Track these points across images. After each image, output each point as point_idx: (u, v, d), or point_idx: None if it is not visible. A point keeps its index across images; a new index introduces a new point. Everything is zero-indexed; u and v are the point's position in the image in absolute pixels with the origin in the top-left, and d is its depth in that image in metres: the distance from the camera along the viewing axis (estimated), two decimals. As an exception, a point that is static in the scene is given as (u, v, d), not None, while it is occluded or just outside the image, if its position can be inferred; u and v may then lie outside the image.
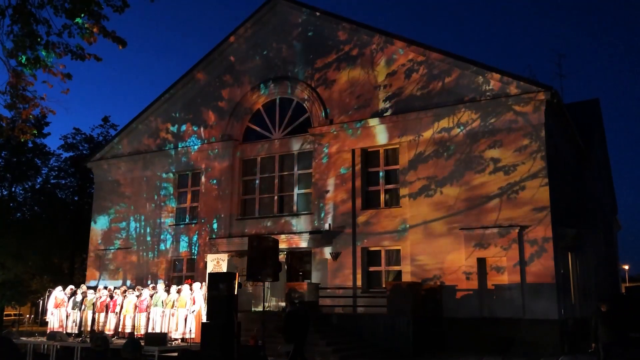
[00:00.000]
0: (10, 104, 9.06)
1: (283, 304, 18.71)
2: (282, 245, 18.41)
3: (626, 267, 50.60)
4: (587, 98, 30.36)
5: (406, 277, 18.40)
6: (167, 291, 17.83)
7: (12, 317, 36.69)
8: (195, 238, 22.88)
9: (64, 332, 17.97)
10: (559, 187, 18.66)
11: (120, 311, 18.14)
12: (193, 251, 22.84)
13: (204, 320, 14.48)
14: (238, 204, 22.45)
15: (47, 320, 19.44)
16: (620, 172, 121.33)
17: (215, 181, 22.87)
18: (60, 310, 18.99)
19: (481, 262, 17.52)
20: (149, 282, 21.58)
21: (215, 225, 22.45)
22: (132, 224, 24.54)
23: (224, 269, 20.24)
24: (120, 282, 23.22)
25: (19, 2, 7.99)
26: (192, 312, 16.64)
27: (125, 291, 18.78)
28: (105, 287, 19.54)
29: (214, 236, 22.18)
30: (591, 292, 22.45)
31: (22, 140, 9.81)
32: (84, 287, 19.78)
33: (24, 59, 8.31)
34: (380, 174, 20.11)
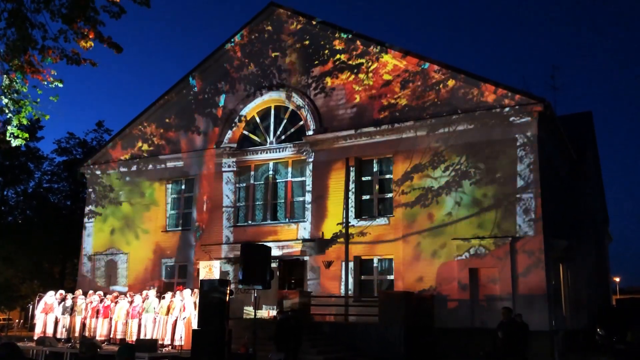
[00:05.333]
0: (2, 108, 9.05)
1: (274, 311, 18.65)
2: (274, 253, 18.37)
3: (617, 279, 50.68)
4: (580, 111, 30.56)
5: (398, 287, 18.40)
6: (159, 297, 17.76)
7: (1, 322, 36.37)
8: (187, 244, 22.80)
9: (54, 337, 17.85)
10: (551, 199, 18.75)
11: (111, 317, 18.05)
12: (185, 258, 22.74)
13: (194, 327, 14.44)
14: (231, 210, 22.39)
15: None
16: (612, 184, 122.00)
17: (208, 188, 22.83)
18: (49, 315, 18.85)
19: (473, 272, 17.55)
20: (151, 287, 21.41)
21: (208, 232, 22.39)
22: (124, 230, 24.41)
23: (216, 276, 20.20)
24: (111, 288, 23.06)
25: (15, 7, 7.99)
26: (183, 318, 16.58)
27: (116, 297, 18.69)
28: (96, 293, 19.43)
29: (206, 243, 22.09)
30: (582, 304, 22.53)
31: (13, 145, 9.77)
32: (77, 293, 19.64)
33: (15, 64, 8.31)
34: (374, 183, 20.15)
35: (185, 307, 16.78)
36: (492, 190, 17.62)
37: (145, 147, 24.85)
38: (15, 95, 8.97)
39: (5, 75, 8.77)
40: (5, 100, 8.98)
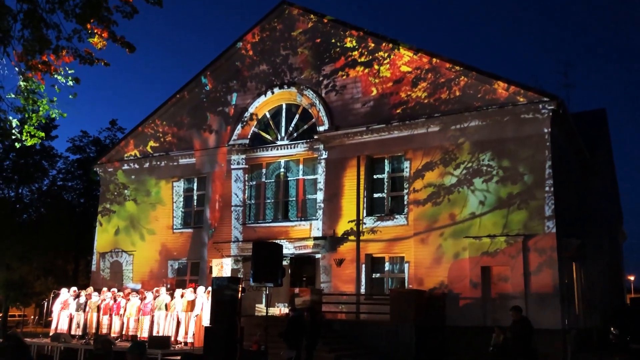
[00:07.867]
0: (20, 108, 9.17)
1: (286, 309, 18.72)
2: (286, 251, 18.44)
3: (632, 277, 50.10)
4: (594, 108, 30.30)
5: (410, 285, 18.39)
6: (171, 294, 17.89)
7: (17, 318, 36.83)
8: (199, 242, 22.93)
9: (68, 333, 18.06)
10: (564, 197, 18.63)
11: (123, 314, 18.22)
12: (197, 255, 22.88)
13: (206, 324, 14.54)
14: (243, 208, 22.48)
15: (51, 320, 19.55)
16: (626, 182, 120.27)
17: (220, 186, 22.94)
18: (64, 312, 19.07)
19: (485, 270, 17.49)
20: (163, 284, 21.58)
21: (220, 230, 22.50)
22: (137, 227, 24.61)
23: (227, 274, 20.33)
24: (124, 285, 23.27)
25: (30, 7, 8.10)
26: (195, 315, 16.69)
27: (128, 294, 18.85)
28: (110, 290, 19.62)
29: (218, 241, 22.21)
30: (596, 303, 22.36)
31: (28, 144, 9.90)
32: (89, 290, 19.86)
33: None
34: (386, 181, 20.13)
35: (197, 304, 16.89)
36: (504, 187, 17.54)
37: (157, 145, 25.01)
38: (32, 95, 9.09)
39: (21, 75, 8.89)
40: (22, 100, 9.11)
